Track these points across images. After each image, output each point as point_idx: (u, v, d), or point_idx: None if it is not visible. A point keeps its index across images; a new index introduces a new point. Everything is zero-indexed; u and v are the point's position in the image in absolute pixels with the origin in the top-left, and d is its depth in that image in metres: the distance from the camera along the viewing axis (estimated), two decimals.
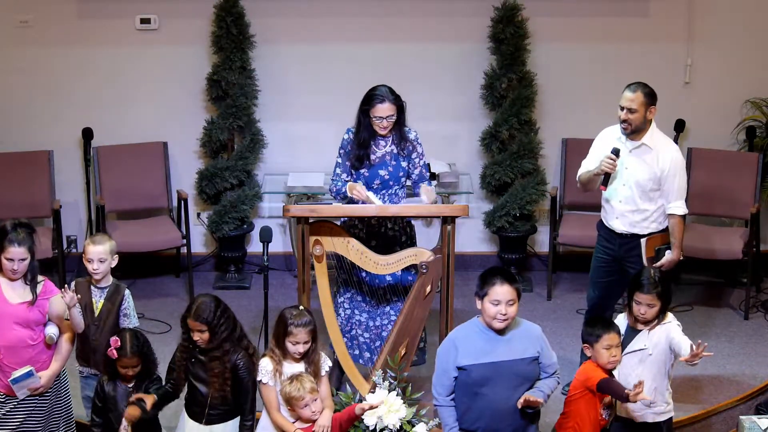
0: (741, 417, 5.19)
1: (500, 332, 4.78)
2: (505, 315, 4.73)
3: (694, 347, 4.90)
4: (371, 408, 5.03)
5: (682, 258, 5.95)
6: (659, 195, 5.81)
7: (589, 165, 5.94)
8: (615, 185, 5.85)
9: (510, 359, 4.76)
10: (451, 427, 4.82)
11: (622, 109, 5.73)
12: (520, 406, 4.72)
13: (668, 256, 5.84)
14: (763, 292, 7.48)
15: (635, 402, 4.81)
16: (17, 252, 4.88)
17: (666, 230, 5.87)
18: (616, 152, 5.74)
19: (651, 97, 5.73)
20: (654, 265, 5.81)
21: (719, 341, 6.79)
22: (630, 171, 5.81)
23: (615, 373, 5.04)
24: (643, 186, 5.79)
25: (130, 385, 4.98)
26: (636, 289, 5.08)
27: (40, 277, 5.04)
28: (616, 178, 5.84)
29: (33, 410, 5.08)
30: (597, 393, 4.89)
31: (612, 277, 6.01)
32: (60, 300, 4.99)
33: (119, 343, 4.91)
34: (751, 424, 5.05)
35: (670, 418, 5.25)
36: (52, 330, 5.05)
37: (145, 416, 4.91)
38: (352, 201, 5.74)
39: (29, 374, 4.97)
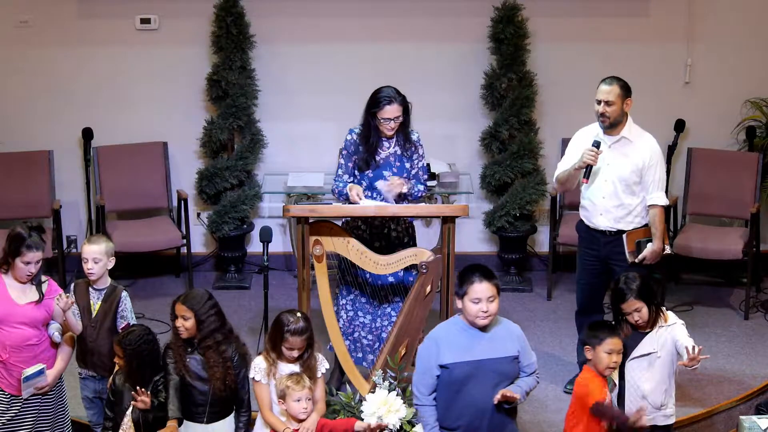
0: (741, 417, 5.19)
1: (483, 329, 4.77)
2: (486, 312, 4.72)
3: (690, 350, 4.89)
4: (371, 429, 5.01)
5: (668, 251, 5.95)
6: (641, 188, 5.84)
7: (565, 165, 5.96)
8: (596, 182, 5.87)
9: (492, 357, 4.75)
10: (431, 426, 4.80)
11: (599, 102, 5.79)
12: (496, 401, 4.69)
13: (650, 247, 5.85)
14: (763, 292, 7.48)
15: (636, 426, 4.74)
16: (35, 256, 4.93)
17: (648, 225, 5.89)
18: (597, 144, 5.78)
19: (626, 90, 5.80)
20: (637, 258, 5.83)
21: (719, 341, 6.79)
22: (611, 166, 5.83)
23: (623, 379, 5.03)
24: (626, 179, 5.82)
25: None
26: (618, 302, 5.03)
27: (43, 277, 5.07)
28: (597, 175, 5.85)
29: (41, 411, 5.10)
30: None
31: (599, 278, 6.03)
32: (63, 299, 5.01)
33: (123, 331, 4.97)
34: (751, 424, 5.05)
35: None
36: (55, 329, 5.07)
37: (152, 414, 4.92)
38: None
39: (41, 372, 4.99)
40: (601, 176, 5.86)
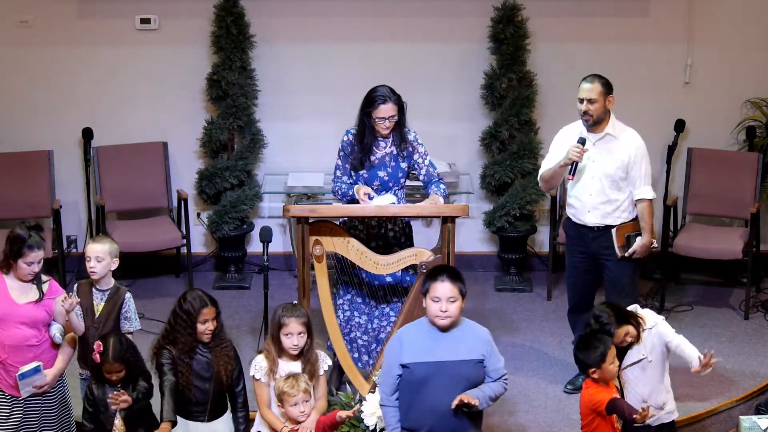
0: (741, 417, 5.19)
1: (445, 330, 4.74)
2: (446, 312, 4.69)
3: (701, 358, 4.90)
4: (349, 417, 4.99)
5: (654, 245, 5.97)
6: (627, 184, 5.85)
7: (549, 163, 5.97)
8: (583, 180, 5.89)
9: (453, 360, 4.71)
10: (393, 427, 4.79)
11: (582, 101, 5.82)
12: (453, 406, 4.65)
13: (639, 241, 5.87)
14: (763, 292, 7.47)
15: (643, 422, 4.73)
16: (37, 255, 4.93)
17: (636, 219, 5.90)
18: (582, 141, 5.80)
19: (608, 87, 5.83)
20: (626, 253, 5.84)
21: (719, 341, 6.79)
22: (597, 163, 5.86)
23: (622, 387, 5.03)
24: (612, 176, 5.84)
25: (118, 387, 4.95)
26: (608, 339, 4.91)
27: (45, 277, 5.06)
28: (583, 173, 5.86)
29: (44, 412, 5.08)
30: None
31: (589, 276, 6.04)
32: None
33: (102, 348, 4.87)
34: (751, 424, 5.05)
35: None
36: (57, 330, 5.05)
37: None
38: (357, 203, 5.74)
39: (37, 370, 4.97)
40: (587, 174, 5.88)
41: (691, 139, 7.63)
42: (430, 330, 4.76)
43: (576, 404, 5.94)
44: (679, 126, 7.48)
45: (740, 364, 6.51)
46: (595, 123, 5.83)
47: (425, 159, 5.86)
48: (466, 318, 4.84)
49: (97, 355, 4.88)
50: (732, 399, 6.10)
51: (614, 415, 4.82)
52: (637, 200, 5.89)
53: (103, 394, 4.93)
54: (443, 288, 4.70)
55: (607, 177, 5.84)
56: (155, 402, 5.03)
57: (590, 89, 5.79)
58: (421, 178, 5.88)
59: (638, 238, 5.88)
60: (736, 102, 7.66)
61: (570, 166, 5.81)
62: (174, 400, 4.88)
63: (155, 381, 5.00)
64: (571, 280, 6.13)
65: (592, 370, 4.83)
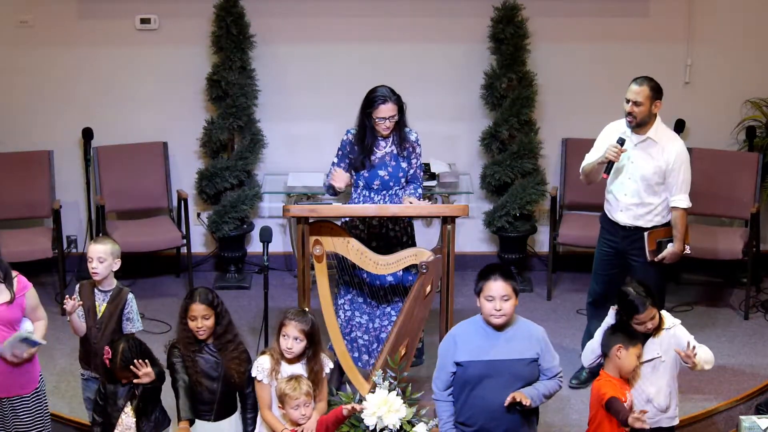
0: (741, 417, 5.19)
1: (499, 329, 4.78)
2: (500, 310, 4.73)
3: (689, 347, 4.91)
4: (356, 410, 4.99)
5: (686, 251, 5.96)
6: (664, 189, 5.85)
7: (592, 157, 5.98)
8: (620, 179, 5.89)
9: (507, 359, 4.75)
10: (445, 422, 4.85)
11: (628, 101, 5.80)
12: (506, 404, 4.69)
13: (670, 248, 5.88)
14: (763, 292, 7.48)
15: (634, 426, 4.72)
16: None
17: (669, 224, 5.90)
18: (621, 141, 5.80)
19: (657, 91, 5.79)
20: (656, 258, 5.84)
21: (719, 341, 6.79)
22: (635, 165, 5.85)
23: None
24: (648, 179, 5.83)
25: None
26: (632, 313, 4.93)
27: (13, 272, 4.99)
28: (621, 173, 5.87)
29: (23, 413, 5.07)
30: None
31: (614, 270, 6.05)
32: (33, 294, 5.00)
33: (110, 354, 4.88)
34: (751, 424, 5.05)
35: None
36: (27, 327, 5.00)
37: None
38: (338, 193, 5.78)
39: (35, 343, 4.92)
40: (625, 174, 5.88)
41: (691, 139, 7.63)
42: (484, 328, 4.80)
43: (576, 404, 5.96)
44: (679, 126, 7.48)
45: (740, 364, 6.52)
46: (638, 125, 5.81)
47: (418, 161, 5.88)
48: (520, 316, 4.87)
49: (107, 361, 4.91)
50: (732, 399, 6.10)
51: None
52: (671, 207, 5.89)
53: (114, 388, 4.95)
54: (496, 286, 4.73)
55: (643, 180, 5.84)
56: (161, 398, 5.06)
57: (638, 92, 5.76)
58: (407, 177, 5.89)
59: (669, 245, 5.88)
60: (736, 102, 7.66)
61: (606, 165, 5.82)
62: (189, 399, 4.91)
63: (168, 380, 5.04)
64: (598, 272, 6.11)
65: (619, 347, 4.82)
